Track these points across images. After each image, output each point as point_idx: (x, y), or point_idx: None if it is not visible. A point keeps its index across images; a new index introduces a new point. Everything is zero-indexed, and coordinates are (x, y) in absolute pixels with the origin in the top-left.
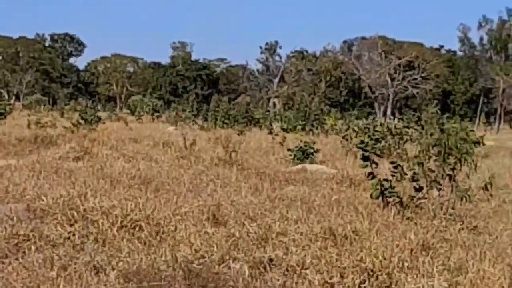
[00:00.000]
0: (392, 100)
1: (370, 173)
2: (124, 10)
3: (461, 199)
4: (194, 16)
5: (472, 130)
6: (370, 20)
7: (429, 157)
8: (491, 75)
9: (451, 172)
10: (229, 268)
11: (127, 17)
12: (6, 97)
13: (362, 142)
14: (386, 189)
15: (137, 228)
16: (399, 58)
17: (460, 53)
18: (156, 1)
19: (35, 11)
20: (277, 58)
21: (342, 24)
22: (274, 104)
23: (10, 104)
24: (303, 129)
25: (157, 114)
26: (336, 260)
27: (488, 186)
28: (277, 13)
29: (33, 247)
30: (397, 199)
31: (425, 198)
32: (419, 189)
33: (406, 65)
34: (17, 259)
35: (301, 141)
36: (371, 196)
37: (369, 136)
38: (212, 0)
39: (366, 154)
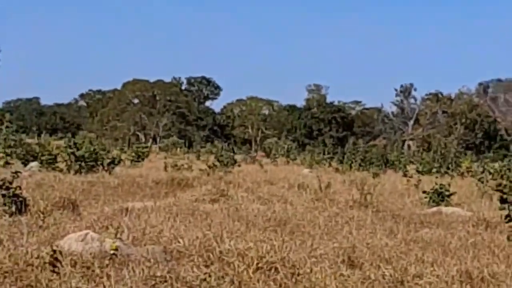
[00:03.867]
0: None
1: (507, 216)
2: (260, 52)
3: None
4: (330, 58)
5: None
6: (507, 61)
7: None
8: None
9: None
10: None
11: (263, 59)
12: (144, 140)
13: (499, 184)
14: None
15: (272, 270)
16: None
17: None
18: (292, 44)
19: (172, 54)
20: (412, 100)
21: (478, 66)
22: (409, 146)
23: (147, 147)
24: (438, 171)
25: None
26: None
27: None
28: (412, 55)
29: None
30: None
31: None
32: None
33: None
34: None
35: (436, 183)
36: (508, 238)
37: (507, 178)
38: (348, 42)
39: (504, 196)
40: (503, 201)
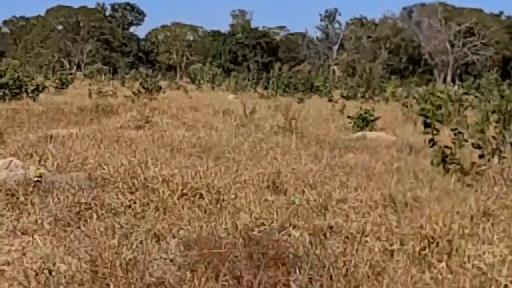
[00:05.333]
0: (452, 66)
1: (430, 140)
2: None
3: None
4: None
5: None
6: None
7: (490, 124)
8: None
9: None
10: (289, 235)
11: None
12: (68, 66)
13: (423, 108)
14: (447, 156)
15: (197, 196)
16: (459, 25)
17: None
18: None
19: None
20: (336, 25)
21: None
22: (334, 72)
23: (71, 74)
24: (363, 96)
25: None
26: (396, 227)
27: None
28: None
29: (94, 216)
30: (458, 166)
31: (486, 165)
32: (481, 156)
33: (466, 31)
34: (79, 227)
35: (361, 108)
36: (431, 163)
37: (430, 103)
38: None
39: (427, 120)
40: (426, 125)
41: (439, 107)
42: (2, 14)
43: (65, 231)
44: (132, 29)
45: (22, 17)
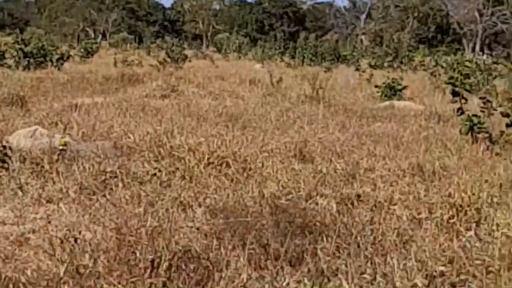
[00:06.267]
0: (481, 36)
1: (459, 109)
2: None
3: None
4: None
5: None
6: None
7: None
8: None
9: None
10: (317, 204)
11: None
12: (93, 35)
13: (451, 77)
14: (475, 124)
15: (223, 165)
16: None
17: None
18: None
19: None
20: None
21: None
22: (361, 41)
23: (96, 43)
24: (390, 65)
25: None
26: (424, 195)
27: None
28: None
29: (120, 184)
30: (486, 135)
31: None
32: (510, 125)
33: (495, 0)
34: (104, 195)
35: (388, 77)
36: (460, 132)
37: (458, 72)
38: None
39: (456, 89)
40: (454, 94)
41: (467, 76)
42: None
43: (90, 199)
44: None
45: None
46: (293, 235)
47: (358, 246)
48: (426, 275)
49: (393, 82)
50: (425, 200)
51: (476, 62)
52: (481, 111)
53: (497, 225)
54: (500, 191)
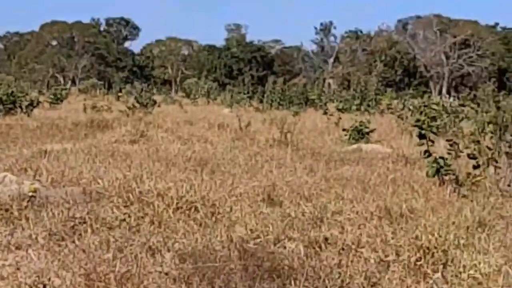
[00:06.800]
0: (447, 78)
1: (426, 151)
2: None
3: None
4: None
5: None
6: None
7: (485, 135)
8: None
9: (507, 149)
10: (285, 247)
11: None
12: (62, 82)
13: (418, 120)
14: (442, 167)
15: (192, 210)
16: (454, 37)
17: None
18: None
19: None
20: (331, 38)
21: (397, 3)
22: (329, 85)
23: (66, 89)
24: (358, 109)
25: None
26: (392, 238)
27: None
28: None
29: (89, 230)
30: (453, 177)
31: (481, 175)
32: (476, 167)
33: (461, 43)
34: (73, 241)
35: (356, 121)
36: (426, 174)
37: (425, 114)
38: None
39: (422, 132)
40: (421, 136)
41: (434, 118)
42: None
43: (59, 245)
44: (127, 44)
45: (16, 33)
46: (262, 279)
47: None
48: None
49: (360, 126)
50: (393, 243)
51: (443, 105)
52: (448, 153)
53: (464, 267)
54: (467, 233)
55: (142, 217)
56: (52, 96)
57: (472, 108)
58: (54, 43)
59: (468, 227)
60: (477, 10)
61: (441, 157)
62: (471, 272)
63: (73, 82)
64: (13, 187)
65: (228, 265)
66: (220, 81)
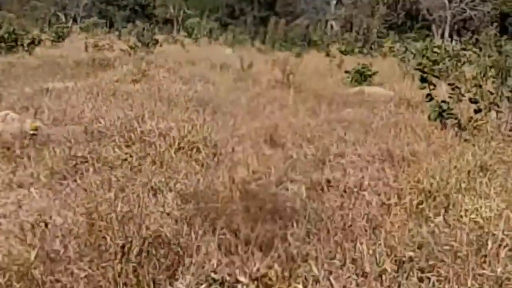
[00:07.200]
0: (449, 22)
1: (428, 95)
2: None
3: None
4: None
5: None
6: None
7: (487, 79)
8: None
9: (509, 94)
10: (287, 189)
11: None
12: (64, 20)
13: (420, 63)
14: (444, 110)
15: (194, 150)
16: None
17: None
18: None
19: None
20: None
21: None
22: (332, 27)
23: (67, 27)
24: (360, 51)
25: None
26: (394, 181)
27: None
28: None
29: (91, 169)
30: (455, 121)
31: (483, 120)
32: (478, 111)
33: None
34: (75, 180)
35: (358, 63)
36: (429, 118)
37: (427, 58)
38: None
39: (424, 75)
40: (423, 80)
41: (436, 62)
42: None
43: (61, 184)
44: None
45: None
46: (263, 220)
47: (328, 232)
48: (395, 260)
49: (363, 68)
50: (395, 186)
51: (445, 48)
52: (450, 97)
53: (466, 210)
54: (468, 177)
55: (144, 157)
56: (53, 35)
57: (474, 52)
58: None
59: (469, 171)
60: None
61: (443, 101)
62: (473, 216)
63: (75, 21)
64: (15, 125)
65: (230, 206)
66: (222, 21)
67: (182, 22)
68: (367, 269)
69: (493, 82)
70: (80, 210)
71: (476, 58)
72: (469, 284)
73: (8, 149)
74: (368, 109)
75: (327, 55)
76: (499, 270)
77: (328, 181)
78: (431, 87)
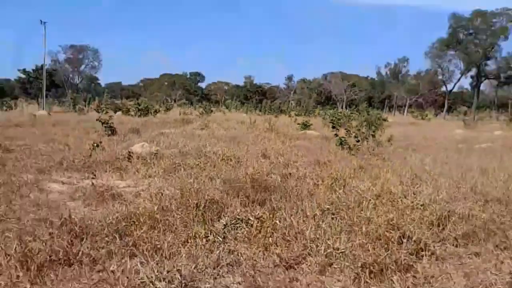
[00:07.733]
0: (345, 100)
1: (335, 134)
2: None
3: (377, 145)
4: None
5: (380, 115)
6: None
7: (362, 127)
8: (390, 90)
9: (373, 133)
10: (271, 177)
11: None
12: (169, 101)
13: (332, 120)
14: (342, 141)
15: (229, 160)
16: (348, 82)
17: (376, 79)
18: None
19: None
20: (292, 82)
21: (323, 62)
22: (291, 104)
23: (171, 105)
24: (305, 114)
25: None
26: (320, 173)
27: (390, 140)
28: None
29: (182, 169)
30: (347, 146)
31: (360, 145)
32: (358, 141)
33: (352, 85)
34: (175, 174)
35: (303, 120)
36: (336, 145)
37: (335, 117)
38: None
39: (334, 125)
40: (333, 127)
41: (339, 119)
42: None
43: (168, 176)
44: (199, 84)
45: (147, 78)
46: (261, 192)
47: (290, 197)
48: (321, 209)
49: (305, 122)
50: (320, 175)
51: (344, 113)
52: (345, 134)
53: (353, 187)
54: (354, 172)
55: (206, 163)
56: (165, 108)
57: (356, 114)
58: (165, 83)
59: (354, 169)
60: (358, 68)
61: (342, 137)
62: (357, 189)
63: (174, 101)
64: (147, 149)
65: (245, 185)
66: (242, 102)
67: (223, 102)
68: (308, 213)
69: (365, 127)
70: (177, 187)
71: (357, 117)
72: (354, 220)
73: (144, 159)
74: (308, 141)
75: (289, 116)
76: (368, 213)
77: (290, 174)
78: (337, 130)
